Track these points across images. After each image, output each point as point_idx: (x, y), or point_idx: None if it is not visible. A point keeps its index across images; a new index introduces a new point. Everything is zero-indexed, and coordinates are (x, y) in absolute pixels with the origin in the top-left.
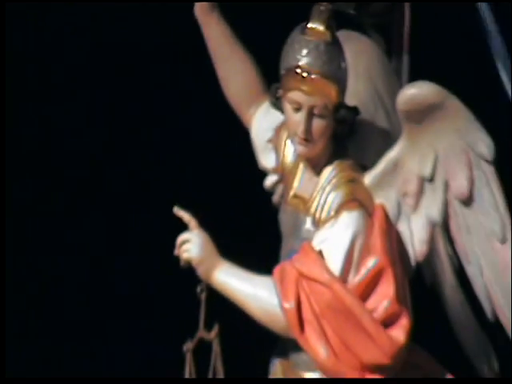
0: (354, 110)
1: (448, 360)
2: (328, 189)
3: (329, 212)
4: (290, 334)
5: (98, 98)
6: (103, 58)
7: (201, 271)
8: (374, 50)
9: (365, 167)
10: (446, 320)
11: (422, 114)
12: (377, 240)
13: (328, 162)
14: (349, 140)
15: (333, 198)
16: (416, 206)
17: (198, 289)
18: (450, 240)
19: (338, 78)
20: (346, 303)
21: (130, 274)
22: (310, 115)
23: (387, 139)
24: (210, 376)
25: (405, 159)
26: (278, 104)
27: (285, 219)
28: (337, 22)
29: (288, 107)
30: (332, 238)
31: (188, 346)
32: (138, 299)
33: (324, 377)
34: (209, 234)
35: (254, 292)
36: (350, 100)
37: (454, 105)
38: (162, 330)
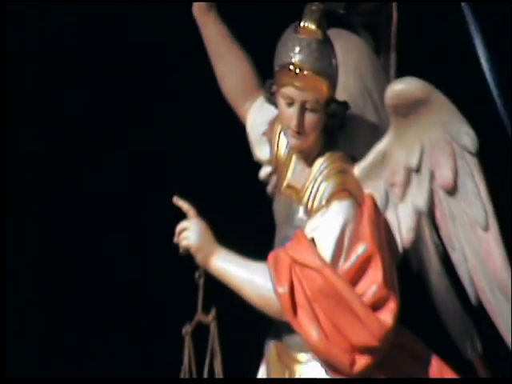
0: (344, 105)
1: (433, 342)
2: (320, 179)
3: (320, 201)
4: (283, 318)
5: (98, 97)
6: (103, 58)
7: (199, 258)
8: (363, 48)
9: (354, 159)
10: (432, 304)
11: (408, 108)
12: (366, 228)
13: (319, 154)
14: (339, 133)
15: (324, 188)
16: (403, 195)
17: (196, 274)
18: (435, 228)
19: (329, 74)
20: (337, 288)
21: (130, 261)
22: (303, 109)
23: (376, 132)
24: (208, 357)
25: (392, 151)
26: (272, 99)
27: (279, 208)
28: (328, 21)
29: (281, 102)
30: (323, 226)
31: (187, 329)
32: (139, 286)
33: (316, 358)
34: (207, 223)
35: (249, 277)
36: (341, 95)
37: (439, 99)
38: (161, 315)
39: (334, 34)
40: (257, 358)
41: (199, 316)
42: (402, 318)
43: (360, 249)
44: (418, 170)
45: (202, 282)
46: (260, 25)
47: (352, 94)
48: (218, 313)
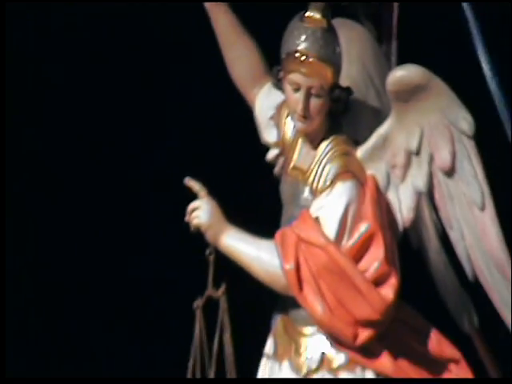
0: (348, 90)
1: (432, 316)
2: (324, 161)
3: (325, 182)
4: (290, 293)
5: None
6: (103, 57)
7: (209, 235)
8: (365, 37)
9: (357, 142)
10: (431, 280)
11: (409, 94)
12: (368, 207)
13: (324, 137)
14: (343, 117)
15: (328, 170)
16: (403, 176)
17: (207, 252)
18: (434, 208)
19: (333, 61)
20: (341, 264)
21: (143, 246)
22: (308, 95)
23: (378, 117)
24: (218, 330)
25: (393, 135)
26: (279, 85)
27: (285, 189)
28: (332, 11)
29: (288, 87)
30: (328, 206)
31: (198, 304)
32: (152, 265)
33: (320, 331)
34: (217, 202)
35: (257, 254)
36: (344, 81)
37: (438, 85)
38: (173, 290)
39: (338, 23)
40: (264, 332)
41: (209, 291)
42: (402, 293)
43: (362, 227)
44: (417, 152)
45: (212, 258)
46: (267, 15)
47: (355, 80)
48: (227, 288)
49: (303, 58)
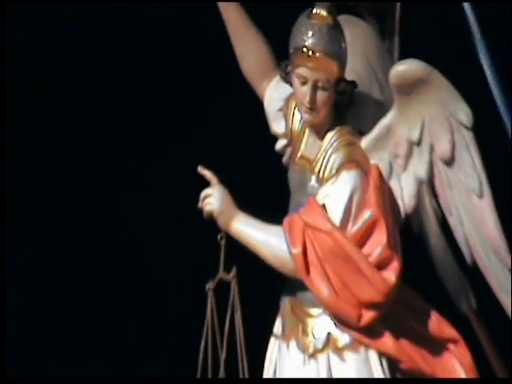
0: (353, 84)
1: (432, 298)
2: (330, 151)
3: (331, 171)
4: (297, 276)
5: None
6: (105, 56)
7: (221, 221)
8: (369, 33)
9: (361, 132)
10: (431, 264)
11: (410, 87)
12: (372, 195)
13: (330, 128)
14: (348, 109)
15: (334, 159)
16: (405, 166)
17: (219, 237)
18: (434, 195)
19: (339, 56)
20: (346, 249)
21: (153, 226)
22: (315, 88)
23: (381, 109)
24: (229, 311)
25: (396, 126)
26: (287, 78)
27: (293, 177)
28: (338, 8)
29: (296, 81)
30: (333, 194)
31: (210, 286)
32: (164, 247)
33: (326, 312)
34: (228, 190)
35: (266, 239)
36: (349, 75)
37: (438, 79)
38: (186, 273)
39: (344, 20)
40: (273, 313)
41: (221, 274)
42: (404, 276)
43: (366, 214)
44: (419, 142)
45: (223, 243)
46: (276, 11)
47: (359, 74)
48: (238, 271)
49: (310, 53)
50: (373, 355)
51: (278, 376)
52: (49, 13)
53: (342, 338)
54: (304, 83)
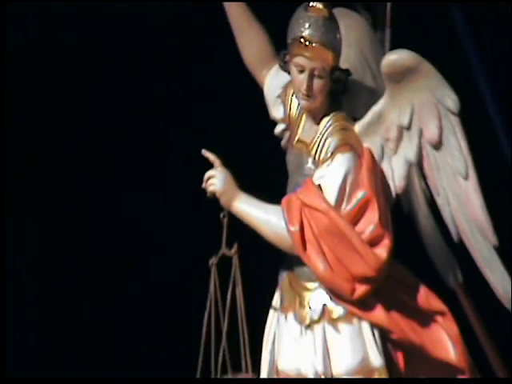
0: (347, 72)
1: (421, 273)
2: (326, 135)
3: (326, 153)
4: (294, 252)
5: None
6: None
7: (223, 201)
8: (362, 25)
9: (355, 118)
10: (420, 241)
11: (401, 76)
12: (365, 176)
13: (326, 114)
14: (342, 96)
15: (329, 142)
16: (396, 149)
17: (221, 215)
18: (423, 176)
19: (334, 46)
20: (340, 227)
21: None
22: (311, 76)
23: (373, 96)
24: (230, 285)
25: (387, 112)
26: (285, 67)
27: (291, 159)
28: (333, 1)
29: (293, 69)
30: (329, 175)
31: (213, 261)
32: (171, 225)
33: (322, 286)
34: (230, 171)
35: (266, 218)
36: (344, 64)
37: (427, 68)
38: (191, 249)
39: (338, 12)
40: (272, 287)
41: (223, 250)
42: (394, 252)
43: (360, 194)
44: (408, 127)
45: (225, 221)
46: (275, 5)
47: (353, 63)
48: (239, 247)
49: (307, 43)
50: (365, 326)
51: (276, 346)
52: (49, 13)
53: (337, 310)
54: (301, 71)
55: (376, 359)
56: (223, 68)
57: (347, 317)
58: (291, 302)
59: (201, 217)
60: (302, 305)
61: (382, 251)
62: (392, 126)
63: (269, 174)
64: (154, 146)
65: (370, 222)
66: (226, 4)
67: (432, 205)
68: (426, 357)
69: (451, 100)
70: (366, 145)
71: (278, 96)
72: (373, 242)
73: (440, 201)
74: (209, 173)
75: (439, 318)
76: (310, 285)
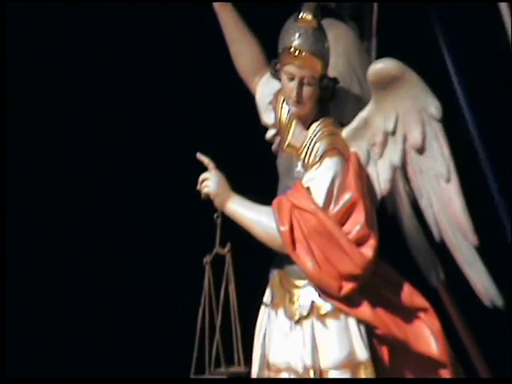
0: (335, 80)
1: (405, 271)
2: (314, 140)
3: (315, 157)
4: (285, 251)
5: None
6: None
7: (217, 202)
8: (350, 34)
9: (342, 124)
10: (404, 241)
11: (386, 83)
12: (351, 179)
13: (314, 119)
14: (330, 103)
15: (318, 147)
16: (381, 153)
17: (215, 216)
18: (407, 180)
19: (323, 55)
20: (328, 227)
21: (156, 210)
22: (301, 83)
23: (360, 102)
24: (224, 282)
25: (373, 118)
26: (276, 75)
27: (281, 163)
28: (321, 12)
29: (284, 77)
30: (317, 178)
31: (207, 259)
32: (167, 225)
33: (310, 283)
34: (223, 174)
35: (257, 218)
36: (332, 72)
37: (411, 76)
38: (186, 248)
39: (327, 23)
40: (263, 284)
41: (217, 249)
42: (380, 251)
43: (347, 196)
44: (393, 133)
45: (219, 221)
46: (267, 15)
47: (341, 71)
48: (232, 246)
49: (297, 52)
50: (352, 322)
51: (267, 340)
52: (49, 13)
53: (325, 306)
54: (291, 79)
55: (362, 353)
56: (217, 76)
57: (335, 313)
58: (281, 299)
59: (196, 217)
60: (291, 301)
61: (368, 250)
62: (377, 132)
63: (260, 177)
64: (151, 149)
65: (356, 223)
66: (219, 15)
67: (415, 206)
68: (410, 351)
69: (434, 107)
70: (352, 149)
71: (270, 102)
72: (359, 242)
73: (423, 203)
74: (203, 175)
75: (422, 314)
76: (300, 282)
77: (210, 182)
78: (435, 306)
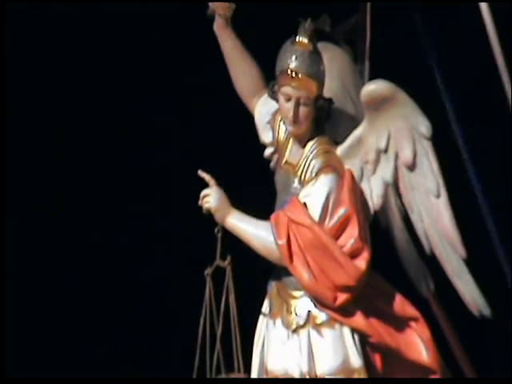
0: (330, 101)
1: (397, 282)
2: (310, 157)
3: (311, 174)
4: (282, 263)
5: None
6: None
7: (217, 217)
8: (344, 57)
9: (337, 142)
10: (396, 253)
11: (378, 104)
12: (346, 195)
13: (310, 138)
14: (325, 122)
15: (314, 164)
16: (374, 170)
17: (216, 230)
18: (398, 195)
19: (318, 77)
20: (323, 241)
21: (161, 221)
22: (298, 104)
23: (353, 122)
24: (224, 293)
25: (366, 136)
26: (274, 96)
27: (279, 179)
28: (317, 36)
29: (281, 98)
30: (313, 194)
31: (208, 271)
32: (170, 240)
33: (307, 294)
34: (224, 190)
35: (256, 232)
36: (327, 93)
37: (402, 97)
38: (188, 260)
39: (322, 46)
40: (261, 295)
41: (218, 262)
42: (373, 264)
43: (341, 211)
44: (385, 150)
45: (220, 235)
46: (265, 38)
47: (335, 92)
48: (232, 259)
49: (294, 74)
50: (346, 331)
51: (265, 348)
52: (49, 13)
53: (320, 316)
54: (288, 100)
55: (356, 360)
56: (217, 98)
57: (330, 322)
58: (279, 309)
59: (197, 231)
60: (288, 311)
61: (362, 263)
62: (370, 150)
63: (259, 193)
64: (154, 168)
65: (350, 237)
66: (220, 39)
67: (406, 221)
68: (401, 358)
69: (424, 126)
70: (347, 166)
71: (268, 122)
72: (353, 255)
73: (414, 217)
74: (204, 191)
75: (413, 323)
76: (296, 293)
77: (211, 197)
78: (426, 316)
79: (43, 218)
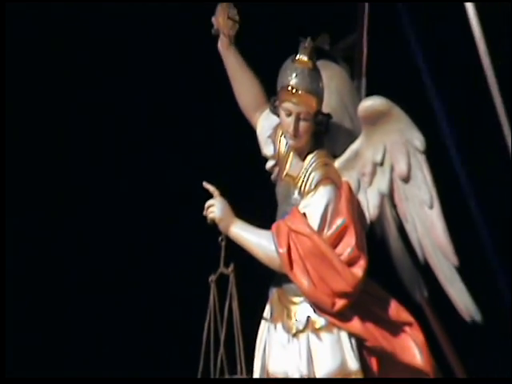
0: (328, 116)
1: (392, 289)
2: (310, 170)
3: (310, 186)
4: (283, 271)
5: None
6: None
7: (221, 226)
8: (342, 74)
9: (335, 155)
10: (391, 261)
11: (375, 119)
12: (343, 206)
13: (310, 151)
14: (324, 136)
15: (313, 176)
16: (370, 182)
17: (220, 239)
18: (393, 206)
19: (318, 93)
20: (322, 249)
21: (164, 231)
22: (298, 119)
23: (351, 136)
24: (228, 300)
25: (363, 150)
26: (275, 111)
27: (279, 191)
28: (316, 54)
29: (282, 113)
30: (312, 204)
31: (212, 278)
32: (170, 250)
33: (306, 300)
34: (227, 201)
35: (258, 241)
36: (326, 108)
37: (397, 112)
38: (193, 268)
39: (321, 63)
40: (263, 301)
41: (221, 269)
42: (369, 271)
43: (339, 221)
44: (381, 163)
45: (223, 244)
46: (266, 57)
47: (334, 108)
48: (235, 267)
49: (294, 90)
50: (344, 335)
51: (267, 352)
52: (49, 13)
53: (319, 321)
54: (289, 115)
55: (353, 363)
56: (223, 114)
57: (328, 327)
58: (280, 314)
59: (202, 240)
60: (289, 316)
61: (359, 270)
62: (367, 163)
63: (261, 203)
64: (162, 181)
65: (348, 245)
66: (223, 56)
67: (401, 230)
68: (396, 361)
69: (418, 140)
70: (344, 178)
71: (269, 136)
72: (350, 263)
73: (408, 227)
74: (209, 202)
75: (407, 328)
76: (296, 299)
77: (215, 208)
78: (419, 321)
79: (43, 218)
